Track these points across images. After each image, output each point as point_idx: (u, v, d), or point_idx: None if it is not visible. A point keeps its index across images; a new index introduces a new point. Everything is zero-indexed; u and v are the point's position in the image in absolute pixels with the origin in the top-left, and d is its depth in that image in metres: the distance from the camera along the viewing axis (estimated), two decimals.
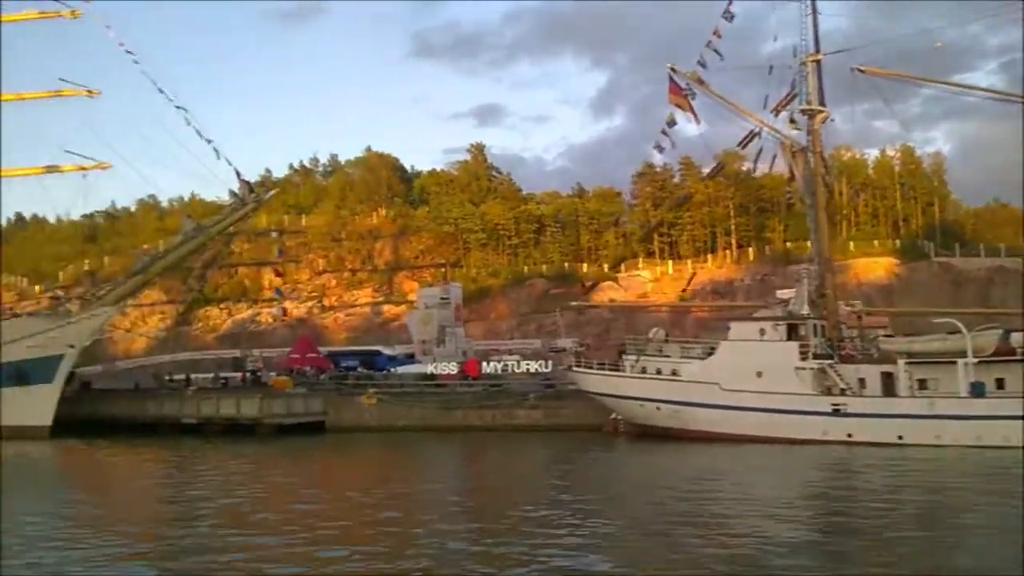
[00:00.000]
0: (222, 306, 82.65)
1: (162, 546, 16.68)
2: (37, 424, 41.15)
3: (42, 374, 40.97)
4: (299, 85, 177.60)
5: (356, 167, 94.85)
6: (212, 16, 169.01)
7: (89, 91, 44.20)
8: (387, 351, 61.49)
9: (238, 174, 41.46)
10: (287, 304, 79.82)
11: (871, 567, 13.85)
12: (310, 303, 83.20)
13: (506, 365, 47.37)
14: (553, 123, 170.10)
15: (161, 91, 40.77)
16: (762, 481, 25.78)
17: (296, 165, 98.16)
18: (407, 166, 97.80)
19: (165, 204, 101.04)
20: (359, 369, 52.72)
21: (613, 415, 37.91)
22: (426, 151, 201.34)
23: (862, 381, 32.85)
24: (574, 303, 46.58)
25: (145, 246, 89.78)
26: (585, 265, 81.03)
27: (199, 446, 39.80)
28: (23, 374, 41.02)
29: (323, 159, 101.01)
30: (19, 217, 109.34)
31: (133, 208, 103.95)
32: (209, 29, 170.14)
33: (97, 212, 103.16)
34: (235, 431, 42.06)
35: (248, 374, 49.07)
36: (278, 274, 61.01)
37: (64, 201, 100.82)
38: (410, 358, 57.56)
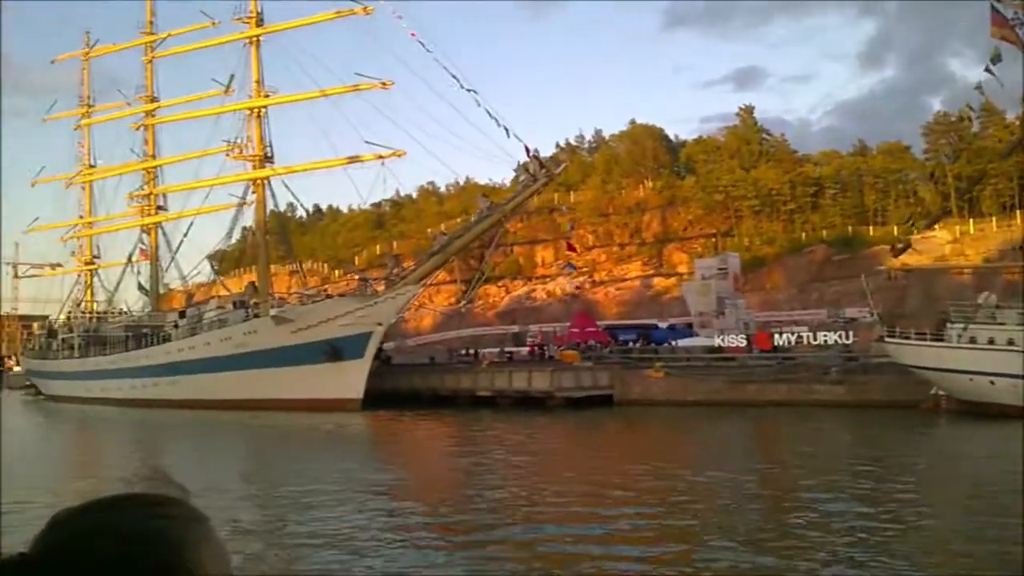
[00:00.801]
0: (500, 284, 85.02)
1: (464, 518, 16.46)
2: (350, 397, 44.05)
3: (354, 350, 43.77)
4: (556, 66, 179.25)
5: (621, 141, 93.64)
6: (469, 3, 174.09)
7: (383, 83, 46.41)
8: (663, 324, 60.17)
9: (528, 150, 41.70)
10: (561, 279, 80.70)
11: None
12: (581, 278, 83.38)
13: (800, 336, 44.15)
14: (817, 81, 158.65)
15: (454, 76, 41.90)
16: None
17: (562, 143, 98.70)
18: (671, 136, 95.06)
19: (443, 190, 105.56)
20: (639, 342, 51.81)
21: (934, 390, 33.89)
22: (683, 122, 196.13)
23: None
24: (881, 268, 42.22)
25: (429, 230, 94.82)
26: (871, 228, 74.40)
27: (495, 417, 40.79)
28: (337, 350, 44.04)
29: (588, 136, 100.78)
30: (316, 208, 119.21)
31: (415, 195, 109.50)
32: (468, 16, 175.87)
33: (384, 200, 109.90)
34: (526, 404, 42.66)
35: (538, 348, 49.65)
36: (570, 248, 61.04)
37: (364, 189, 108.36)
38: (688, 330, 55.83)
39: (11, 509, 17.20)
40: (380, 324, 43.71)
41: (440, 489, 21.07)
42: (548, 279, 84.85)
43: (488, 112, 41.46)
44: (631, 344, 51.97)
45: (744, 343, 44.52)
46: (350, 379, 43.99)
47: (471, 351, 54.54)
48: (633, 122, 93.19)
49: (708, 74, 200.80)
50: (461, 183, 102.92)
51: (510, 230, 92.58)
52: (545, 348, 49.24)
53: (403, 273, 44.33)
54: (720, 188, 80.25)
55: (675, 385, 41.79)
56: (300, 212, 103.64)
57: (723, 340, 45.54)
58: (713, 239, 79.99)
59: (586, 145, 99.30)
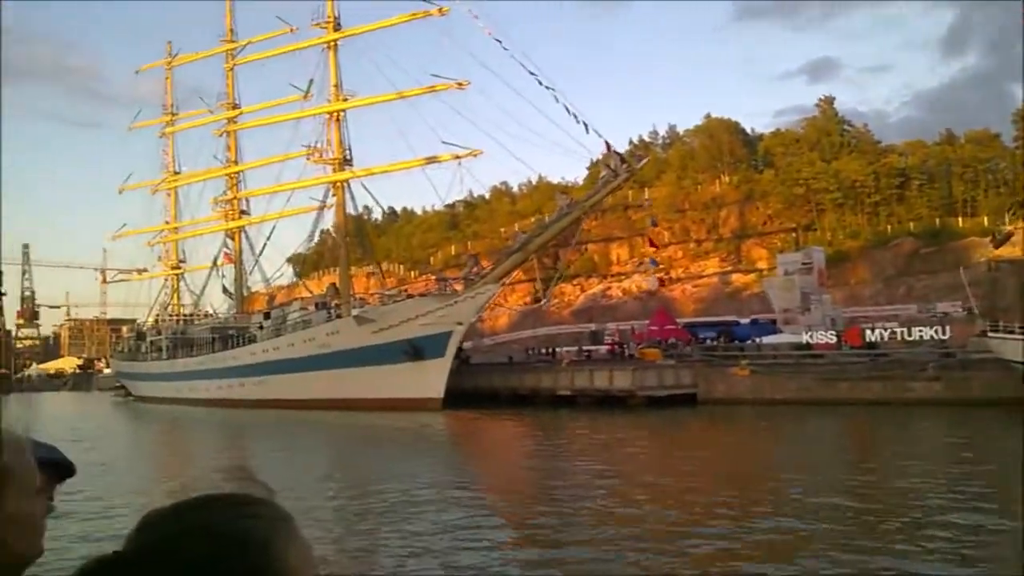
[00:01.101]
0: (575, 282, 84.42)
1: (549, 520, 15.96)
2: (431, 396, 44.08)
3: (435, 349, 43.80)
4: (625, 63, 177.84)
5: (696, 135, 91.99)
6: (536, 3, 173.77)
7: (459, 83, 46.35)
8: (744, 321, 58.81)
9: (608, 146, 41.09)
10: (637, 277, 79.72)
11: None
12: (657, 275, 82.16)
13: (892, 332, 42.47)
14: (894, 71, 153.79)
15: (531, 73, 41.56)
16: None
17: (635, 140, 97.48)
18: (747, 129, 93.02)
19: (516, 189, 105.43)
20: (721, 340, 50.67)
21: None
22: (756, 115, 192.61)
23: None
24: (980, 260, 40.39)
25: (502, 229, 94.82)
26: (960, 220, 71.46)
27: (576, 417, 40.28)
28: (418, 350, 44.14)
29: (661, 131, 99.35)
30: (391, 210, 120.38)
31: (488, 195, 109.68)
32: (536, 16, 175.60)
33: (458, 200, 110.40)
34: (607, 403, 42.01)
35: (617, 346, 48.92)
36: (652, 244, 59.83)
37: (441, 189, 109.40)
38: (772, 326, 54.38)
39: (106, 509, 17.68)
40: (460, 323, 43.65)
41: (526, 490, 20.67)
42: (623, 277, 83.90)
43: (567, 108, 41.08)
44: (711, 341, 50.86)
45: (834, 339, 43.04)
46: (431, 378, 44.03)
47: (549, 350, 54.10)
48: (708, 116, 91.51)
49: (781, 66, 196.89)
50: (534, 182, 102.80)
51: (585, 228, 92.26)
52: (625, 346, 48.44)
53: (482, 272, 44.16)
54: (800, 181, 78.00)
55: (762, 383, 40.62)
56: (376, 215, 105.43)
57: (812, 336, 44.11)
58: (794, 234, 77.91)
59: (660, 141, 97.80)
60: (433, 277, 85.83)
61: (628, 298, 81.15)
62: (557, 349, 59.32)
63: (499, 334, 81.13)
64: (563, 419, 39.92)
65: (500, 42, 42.50)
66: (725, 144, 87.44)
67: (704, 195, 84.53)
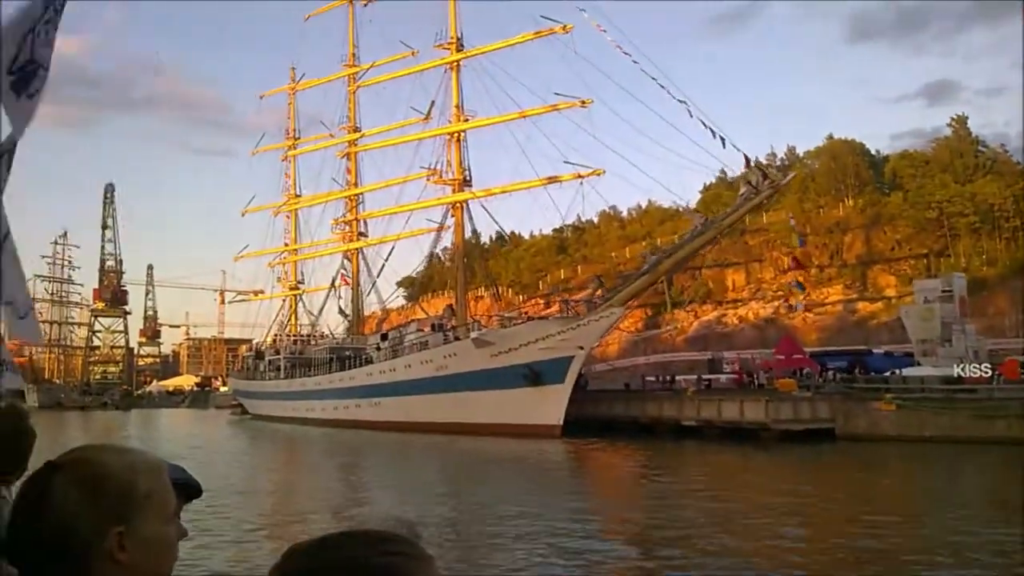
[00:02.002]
0: (688, 308, 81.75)
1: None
2: (551, 423, 42.58)
3: (554, 375, 42.33)
4: (737, 86, 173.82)
5: (817, 157, 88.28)
6: (647, 25, 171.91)
7: (583, 101, 45.19)
8: (878, 351, 55.36)
9: (748, 160, 39.04)
10: (754, 304, 76.60)
11: None
12: (776, 303, 78.75)
13: None
14: (1017, 93, 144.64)
15: (661, 86, 39.99)
16: None
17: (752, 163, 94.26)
18: (871, 150, 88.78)
19: (625, 214, 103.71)
20: (857, 371, 47.52)
21: None
22: (872, 138, 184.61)
23: None
24: None
25: (613, 254, 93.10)
26: None
27: (703, 449, 38.06)
28: (537, 375, 42.76)
29: (780, 152, 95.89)
30: (499, 235, 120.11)
31: (596, 219, 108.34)
32: (645, 37, 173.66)
33: (565, 225, 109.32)
34: (735, 435, 39.57)
35: (746, 375, 46.36)
36: (798, 265, 55.93)
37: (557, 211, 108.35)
38: (907, 358, 50.79)
39: (243, 535, 17.55)
40: (582, 348, 42.08)
41: (654, 530, 18.86)
42: (740, 303, 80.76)
43: (702, 122, 39.30)
44: (837, 374, 47.88)
45: (988, 373, 39.48)
46: (550, 404, 42.54)
47: (667, 377, 51.89)
48: (830, 137, 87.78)
49: (897, 89, 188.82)
50: (643, 206, 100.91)
51: (700, 252, 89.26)
52: (755, 375, 45.79)
53: (607, 295, 42.53)
54: (932, 204, 73.56)
55: (908, 419, 37.44)
56: (484, 239, 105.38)
57: (963, 369, 40.61)
58: (925, 260, 73.53)
59: (778, 162, 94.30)
60: (542, 301, 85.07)
61: (745, 325, 78.01)
62: (675, 377, 57.12)
63: (609, 360, 79.13)
64: (689, 452, 37.79)
65: (630, 55, 41.19)
66: (850, 166, 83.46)
67: (827, 219, 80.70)
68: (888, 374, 45.32)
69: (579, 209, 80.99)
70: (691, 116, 39.88)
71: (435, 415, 46.62)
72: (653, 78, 40.21)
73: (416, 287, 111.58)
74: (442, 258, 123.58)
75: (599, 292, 43.88)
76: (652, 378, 59.20)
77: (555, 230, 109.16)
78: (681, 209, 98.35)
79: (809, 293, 79.25)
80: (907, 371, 46.00)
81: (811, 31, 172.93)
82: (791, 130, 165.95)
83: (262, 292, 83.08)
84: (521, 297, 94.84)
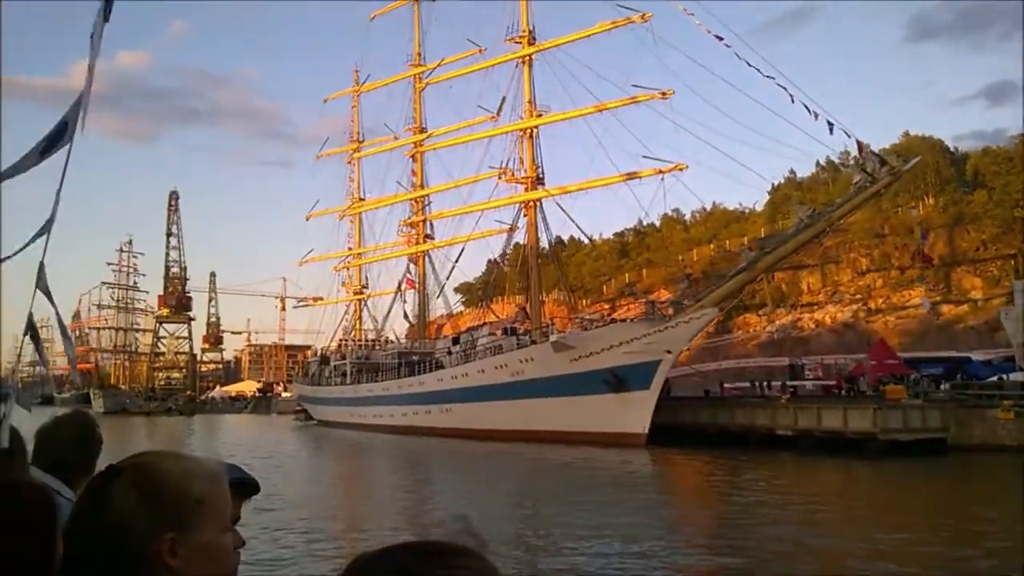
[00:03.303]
0: (760, 312, 78.23)
1: None
2: (635, 431, 39.94)
3: (639, 380, 39.63)
4: (797, 83, 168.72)
5: (893, 155, 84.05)
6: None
7: (663, 93, 42.56)
8: (978, 356, 51.64)
9: (860, 146, 36.01)
10: (830, 308, 72.97)
11: None
12: (854, 306, 74.97)
13: None
14: None
15: (758, 70, 37.04)
16: None
17: (822, 162, 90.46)
18: (951, 147, 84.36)
19: (688, 217, 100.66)
20: (960, 377, 44.11)
21: None
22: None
23: None
24: None
25: (680, 257, 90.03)
26: None
27: (803, 462, 35.04)
28: (621, 380, 40.13)
29: (853, 151, 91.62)
30: (559, 240, 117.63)
31: (657, 223, 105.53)
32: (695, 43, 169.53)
33: (626, 229, 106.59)
34: (836, 446, 36.43)
35: (845, 382, 43.11)
36: (924, 260, 51.84)
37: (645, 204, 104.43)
38: (1008, 363, 47.10)
39: (312, 543, 17.44)
40: (669, 352, 39.24)
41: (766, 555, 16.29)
42: (815, 307, 77.01)
43: (806, 107, 36.36)
44: (938, 379, 44.50)
45: None
46: (634, 412, 39.82)
47: (762, 383, 48.79)
48: (907, 134, 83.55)
49: (958, 90, 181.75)
50: (708, 208, 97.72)
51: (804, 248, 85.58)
52: (857, 381, 42.46)
53: (698, 295, 39.67)
54: (1021, 203, 69.15)
55: None
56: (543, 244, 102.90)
57: None
58: (1012, 260, 69.15)
59: (851, 160, 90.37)
60: (607, 305, 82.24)
61: (821, 330, 74.33)
62: (755, 382, 54.13)
63: (678, 366, 76.10)
64: (789, 464, 34.77)
65: (722, 39, 38.40)
66: (930, 163, 79.10)
67: (907, 218, 76.50)
68: (995, 379, 41.91)
69: (659, 206, 76.67)
70: (793, 101, 36.91)
71: (510, 422, 44.25)
72: (749, 63, 37.34)
73: (472, 293, 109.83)
74: (501, 263, 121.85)
75: (688, 292, 40.98)
76: (732, 384, 56.23)
77: (616, 234, 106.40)
78: (747, 211, 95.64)
79: (865, 296, 75.36)
80: (1011, 376, 42.52)
81: (869, 31, 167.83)
82: (856, 129, 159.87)
83: (322, 299, 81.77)
84: (584, 302, 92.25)
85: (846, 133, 36.64)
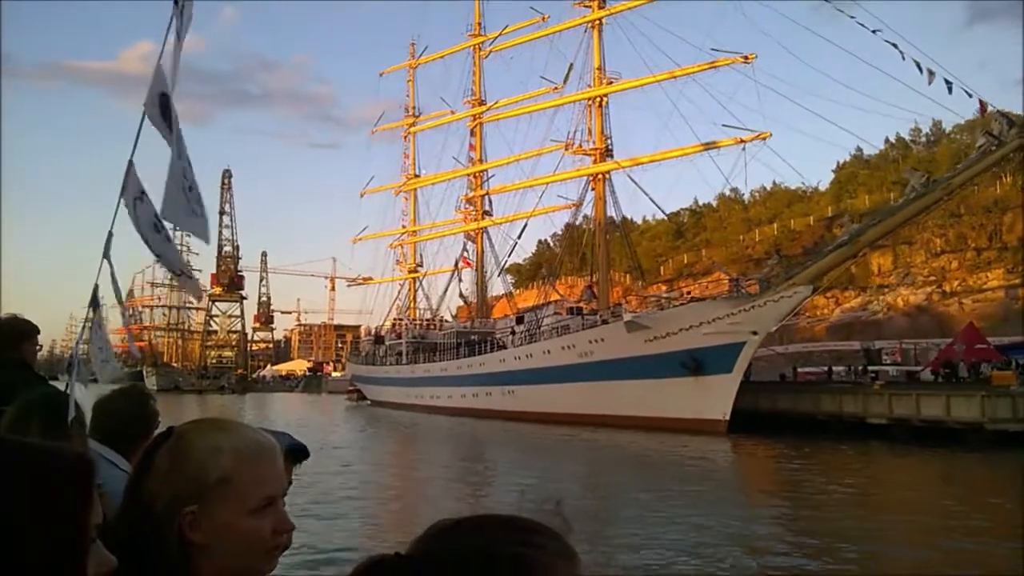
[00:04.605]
0: (828, 295, 74.61)
1: None
2: (714, 418, 37.27)
3: (720, 363, 36.85)
4: (851, 71, 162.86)
5: (969, 131, 79.74)
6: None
7: (745, 57, 39.50)
8: None
9: (984, 106, 32.74)
10: (902, 290, 69.31)
11: None
12: (928, 288, 71.10)
13: None
14: None
15: (862, 24, 33.68)
16: None
17: (892, 139, 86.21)
18: None
19: (747, 196, 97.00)
20: None
21: None
22: None
23: None
24: None
25: (741, 237, 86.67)
26: None
27: (902, 453, 32.07)
28: (699, 363, 37.39)
29: (925, 128, 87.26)
30: (611, 220, 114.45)
31: (714, 203, 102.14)
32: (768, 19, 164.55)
33: (682, 209, 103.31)
34: (935, 436, 33.44)
35: (943, 367, 39.92)
36: None
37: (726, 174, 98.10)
38: None
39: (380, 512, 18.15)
40: (755, 333, 36.35)
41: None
42: (887, 289, 73.20)
43: (918, 65, 33.12)
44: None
45: None
46: (714, 397, 37.08)
47: (860, 368, 45.86)
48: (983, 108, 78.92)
49: (1016, 71, 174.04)
50: (768, 188, 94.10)
51: (838, 235, 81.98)
52: (956, 367, 39.19)
53: (790, 271, 36.69)
54: None
55: None
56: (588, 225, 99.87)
57: None
58: None
59: (922, 139, 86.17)
60: (664, 287, 79.27)
61: (893, 313, 70.63)
62: (834, 368, 51.35)
63: None
64: (886, 455, 31.90)
65: None
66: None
67: (983, 198, 72.05)
68: None
69: (740, 178, 71.91)
70: (904, 59, 33.61)
71: (578, 406, 41.84)
72: (851, 16, 34.01)
73: (521, 275, 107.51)
74: (552, 244, 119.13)
75: (777, 266, 37.95)
76: (805, 369, 53.40)
77: (671, 214, 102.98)
78: (810, 192, 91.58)
79: (939, 278, 71.65)
80: None
81: (930, 10, 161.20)
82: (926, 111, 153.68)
83: (371, 279, 79.94)
84: (641, 283, 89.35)
85: (967, 92, 33.29)
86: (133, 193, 1.90)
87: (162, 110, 1.91)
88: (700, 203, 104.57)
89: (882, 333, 66.85)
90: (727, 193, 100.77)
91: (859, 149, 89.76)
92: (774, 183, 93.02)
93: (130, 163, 1.88)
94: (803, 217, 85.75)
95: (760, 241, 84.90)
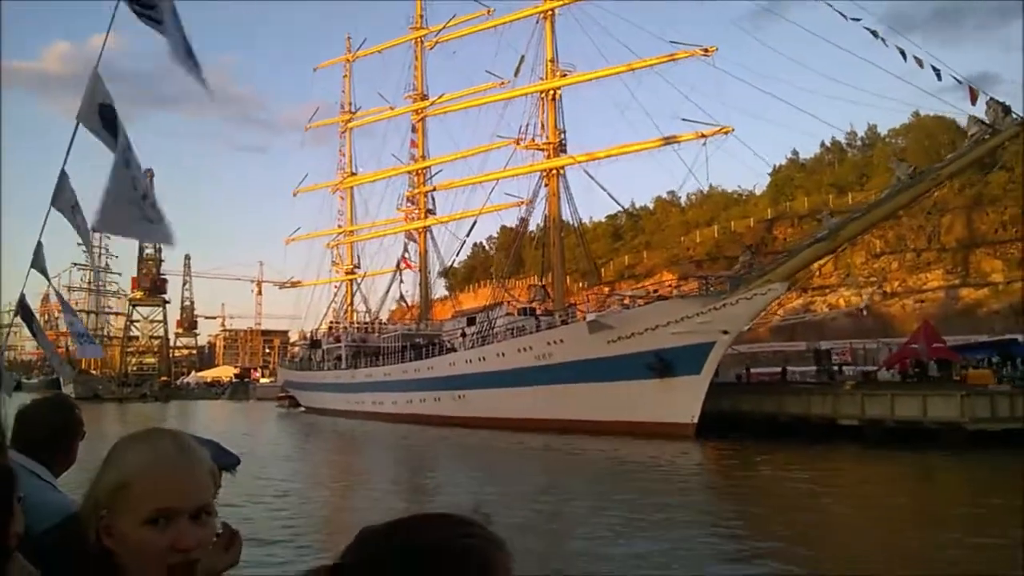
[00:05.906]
0: None
1: None
2: (682, 421, 35.33)
3: (688, 364, 34.93)
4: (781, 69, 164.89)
5: (904, 134, 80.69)
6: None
7: (704, 50, 37.84)
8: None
9: (974, 93, 31.53)
10: (843, 291, 69.20)
11: None
12: (869, 289, 71.20)
13: None
14: None
15: (841, 14, 32.19)
16: None
17: (827, 143, 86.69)
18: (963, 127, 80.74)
19: (684, 200, 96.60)
20: (1018, 361, 40.18)
21: None
22: None
23: None
24: None
25: (682, 238, 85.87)
26: None
27: (876, 455, 30.66)
28: (667, 364, 35.41)
29: (860, 131, 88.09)
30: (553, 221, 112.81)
31: (651, 206, 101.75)
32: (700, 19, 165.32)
33: (618, 212, 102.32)
34: (908, 437, 32.13)
35: (912, 365, 38.77)
36: None
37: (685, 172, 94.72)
38: None
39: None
40: (726, 332, 34.57)
41: None
42: (828, 290, 73.05)
43: (902, 52, 31.73)
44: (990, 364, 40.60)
45: None
46: (682, 400, 35.16)
47: (830, 367, 44.81)
48: (917, 114, 79.82)
49: (936, 81, 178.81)
50: (705, 191, 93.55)
51: (779, 237, 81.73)
52: (928, 365, 38.09)
53: (763, 268, 35.03)
54: None
55: None
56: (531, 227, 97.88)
57: None
58: None
59: (857, 143, 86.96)
60: (606, 288, 77.67)
61: (835, 313, 70.45)
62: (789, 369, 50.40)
63: None
64: (862, 459, 30.40)
65: None
66: (944, 143, 75.52)
67: (922, 199, 72.80)
68: None
69: (702, 173, 69.74)
70: (887, 46, 32.24)
71: (535, 411, 39.41)
72: (829, 4, 32.46)
73: (457, 278, 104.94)
74: (487, 247, 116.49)
75: (747, 263, 36.20)
76: (756, 370, 52.15)
77: (608, 216, 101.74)
78: (747, 196, 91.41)
79: (880, 279, 72.12)
80: None
81: (847, 26, 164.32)
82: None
83: (299, 283, 76.13)
84: (581, 284, 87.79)
85: (956, 79, 32.16)
86: (69, 202, 1.88)
87: (105, 121, 1.84)
88: (637, 206, 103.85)
89: (824, 334, 66.45)
90: (664, 196, 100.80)
91: (795, 152, 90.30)
92: (711, 187, 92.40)
93: (62, 173, 1.88)
94: (743, 219, 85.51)
95: (700, 243, 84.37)
